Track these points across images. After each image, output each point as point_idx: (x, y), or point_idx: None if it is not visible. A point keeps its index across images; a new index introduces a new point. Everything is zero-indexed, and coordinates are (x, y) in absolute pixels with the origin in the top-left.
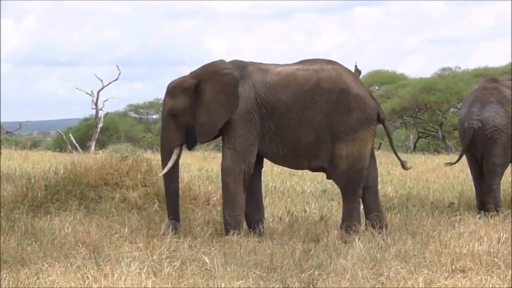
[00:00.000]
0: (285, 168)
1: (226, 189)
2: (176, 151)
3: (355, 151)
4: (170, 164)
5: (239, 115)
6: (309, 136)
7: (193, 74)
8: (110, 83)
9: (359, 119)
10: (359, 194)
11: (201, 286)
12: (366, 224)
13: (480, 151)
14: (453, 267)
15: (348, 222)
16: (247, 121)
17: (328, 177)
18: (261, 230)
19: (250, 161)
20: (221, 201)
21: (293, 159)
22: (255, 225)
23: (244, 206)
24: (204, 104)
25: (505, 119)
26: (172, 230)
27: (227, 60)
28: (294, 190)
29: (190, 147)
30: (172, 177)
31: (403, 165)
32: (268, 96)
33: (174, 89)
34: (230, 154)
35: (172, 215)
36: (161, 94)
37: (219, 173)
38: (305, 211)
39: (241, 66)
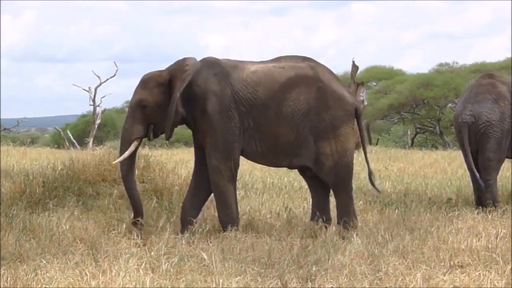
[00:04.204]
0: None
1: (216, 188)
2: (135, 143)
3: (339, 147)
4: (126, 154)
5: (218, 113)
6: (288, 134)
7: (168, 69)
8: (107, 79)
9: (338, 116)
10: (351, 188)
11: (199, 282)
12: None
13: (474, 146)
14: (451, 263)
15: (346, 217)
16: (226, 118)
17: (303, 174)
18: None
19: (235, 158)
20: None
21: (272, 157)
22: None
23: (236, 202)
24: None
25: (498, 115)
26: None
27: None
28: (292, 186)
29: (151, 139)
30: (129, 171)
31: (370, 174)
32: (245, 94)
33: (148, 82)
34: (214, 154)
35: (138, 216)
36: None
37: None
38: (303, 207)
39: (215, 64)
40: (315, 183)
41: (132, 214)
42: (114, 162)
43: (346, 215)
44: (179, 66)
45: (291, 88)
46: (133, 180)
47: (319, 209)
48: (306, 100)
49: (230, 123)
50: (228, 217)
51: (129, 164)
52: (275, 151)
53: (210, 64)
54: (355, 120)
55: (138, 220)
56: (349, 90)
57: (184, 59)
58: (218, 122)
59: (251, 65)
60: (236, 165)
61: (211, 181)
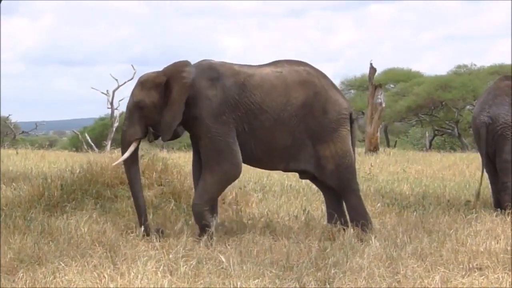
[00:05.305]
0: None
1: (203, 181)
2: (134, 144)
3: (338, 149)
4: (126, 155)
5: (213, 117)
6: (285, 138)
7: (165, 71)
8: (125, 82)
9: (334, 119)
10: (357, 188)
11: (217, 285)
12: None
13: (492, 148)
14: (470, 265)
15: (362, 219)
16: (220, 123)
17: (301, 177)
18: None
19: (233, 161)
20: (236, 199)
21: (267, 161)
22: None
23: (213, 201)
24: (170, 103)
25: None
26: (160, 235)
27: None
28: (310, 188)
29: (151, 140)
30: (135, 176)
31: None
32: (242, 98)
33: (145, 83)
34: (210, 155)
35: (144, 221)
36: None
37: None
38: (321, 209)
39: (211, 68)
40: (323, 185)
41: (138, 220)
42: (114, 164)
43: (360, 216)
44: (176, 68)
45: (288, 93)
46: (139, 185)
47: (335, 211)
48: (303, 106)
49: (223, 127)
50: (198, 204)
51: (134, 168)
52: (270, 155)
53: (205, 68)
54: (350, 124)
55: (147, 226)
56: (344, 95)
57: (181, 62)
58: (210, 126)
59: (248, 69)
60: (236, 168)
61: (202, 176)
